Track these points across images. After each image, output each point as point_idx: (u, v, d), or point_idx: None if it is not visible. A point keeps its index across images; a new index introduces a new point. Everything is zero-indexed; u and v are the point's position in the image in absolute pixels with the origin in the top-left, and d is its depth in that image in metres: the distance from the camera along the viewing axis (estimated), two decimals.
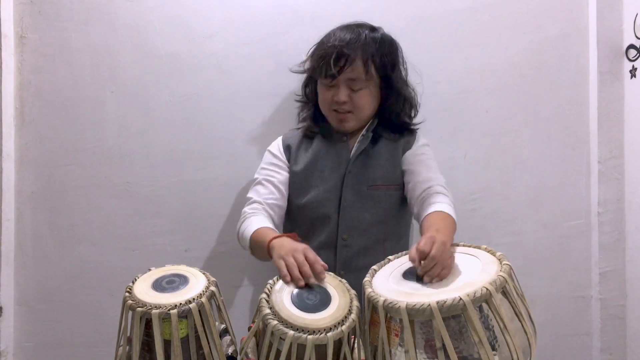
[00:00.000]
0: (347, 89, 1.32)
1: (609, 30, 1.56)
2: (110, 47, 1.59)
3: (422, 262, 0.96)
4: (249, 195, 1.39)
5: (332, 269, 1.12)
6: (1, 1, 1.54)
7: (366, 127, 1.39)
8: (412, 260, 0.98)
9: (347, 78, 1.31)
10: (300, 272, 1.02)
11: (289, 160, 1.43)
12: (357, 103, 1.34)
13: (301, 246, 1.09)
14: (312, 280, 1.02)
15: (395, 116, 1.40)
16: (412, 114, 1.44)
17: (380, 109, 1.40)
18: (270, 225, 1.29)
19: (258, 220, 1.30)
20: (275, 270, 1.08)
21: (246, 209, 1.36)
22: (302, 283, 1.01)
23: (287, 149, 1.44)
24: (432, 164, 1.37)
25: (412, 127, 1.43)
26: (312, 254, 1.06)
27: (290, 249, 1.08)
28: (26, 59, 1.59)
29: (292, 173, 1.41)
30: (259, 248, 1.22)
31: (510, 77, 1.61)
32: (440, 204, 1.22)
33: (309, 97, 1.46)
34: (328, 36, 1.35)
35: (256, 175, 1.42)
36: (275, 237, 1.16)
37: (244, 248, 1.32)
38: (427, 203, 1.24)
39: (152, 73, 1.60)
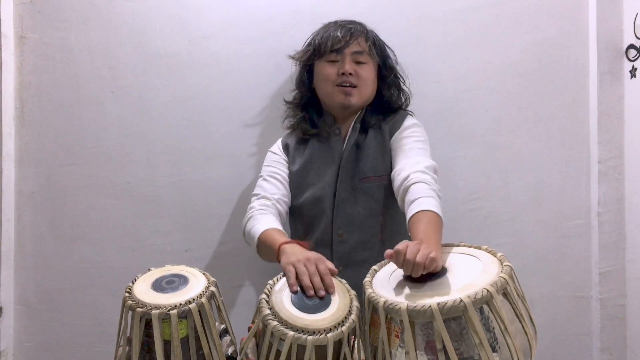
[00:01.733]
0: (352, 62, 1.35)
1: (609, 30, 1.56)
2: (110, 47, 1.59)
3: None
4: (256, 191, 1.38)
5: None
6: (1, 1, 1.54)
7: (356, 117, 1.39)
8: (387, 257, 0.97)
9: (352, 51, 1.35)
10: (311, 282, 1.01)
11: (288, 158, 1.43)
12: (362, 76, 1.35)
13: (314, 256, 1.07)
14: (322, 293, 1.00)
15: (388, 98, 1.42)
16: (404, 102, 1.46)
17: (376, 92, 1.41)
18: (279, 225, 1.28)
19: (267, 219, 1.28)
20: (276, 270, 1.08)
21: (254, 204, 1.34)
22: (311, 292, 0.99)
23: (286, 147, 1.45)
24: (415, 145, 1.33)
25: (400, 109, 1.44)
26: (323, 266, 1.05)
27: (303, 257, 1.06)
28: (26, 59, 1.59)
29: (290, 173, 1.41)
30: (267, 250, 1.21)
31: (510, 77, 1.61)
32: (419, 201, 1.14)
33: (306, 88, 1.45)
34: (324, 28, 1.40)
35: (261, 174, 1.43)
36: (286, 242, 1.15)
37: (249, 245, 1.31)
38: (407, 201, 1.18)
39: (152, 73, 1.60)
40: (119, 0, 1.59)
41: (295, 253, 1.09)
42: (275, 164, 1.42)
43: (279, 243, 1.15)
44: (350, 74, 1.34)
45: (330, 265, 1.07)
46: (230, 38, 1.60)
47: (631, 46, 1.52)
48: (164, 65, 1.60)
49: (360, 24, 1.40)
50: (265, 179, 1.40)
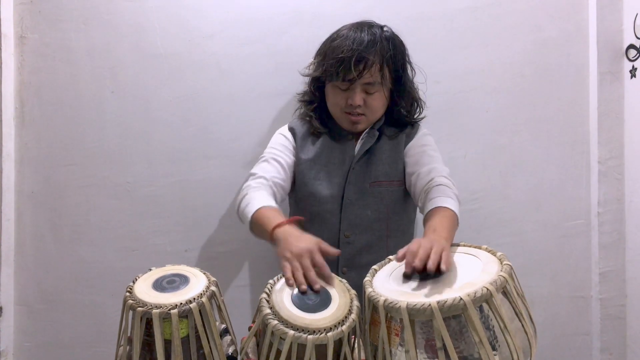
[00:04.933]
0: (362, 92, 1.31)
1: (609, 30, 1.56)
2: (110, 47, 1.59)
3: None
4: (254, 170, 1.36)
5: (334, 266, 1.11)
6: (1, 1, 1.54)
7: (372, 125, 1.39)
8: (398, 260, 1.00)
9: (364, 82, 1.29)
10: (306, 277, 1.01)
11: (296, 145, 1.42)
12: (371, 106, 1.33)
13: (307, 248, 1.05)
14: (317, 287, 0.99)
15: (403, 116, 1.41)
16: (418, 112, 1.44)
17: (388, 109, 1.39)
18: (273, 203, 1.25)
19: (261, 197, 1.26)
20: (276, 269, 1.08)
21: (250, 182, 1.32)
22: (304, 287, 0.99)
23: (293, 133, 1.43)
24: (435, 154, 1.36)
25: (413, 121, 1.43)
26: (319, 258, 1.04)
27: (297, 251, 1.05)
28: (26, 59, 1.59)
29: (298, 160, 1.40)
30: (261, 230, 1.19)
31: (510, 77, 1.61)
32: (440, 199, 1.20)
33: (316, 97, 1.43)
34: (342, 38, 1.30)
35: (263, 155, 1.40)
36: (279, 225, 1.14)
37: (242, 223, 1.28)
38: (428, 198, 1.23)
39: (152, 73, 1.60)
40: (119, 0, 1.59)
41: (289, 244, 1.07)
42: (282, 148, 1.40)
43: (272, 227, 1.14)
44: (359, 105, 1.31)
45: (328, 248, 1.07)
46: (230, 38, 1.60)
47: (631, 46, 1.52)
48: (164, 65, 1.60)
49: (377, 41, 1.28)
50: (267, 161, 1.37)
